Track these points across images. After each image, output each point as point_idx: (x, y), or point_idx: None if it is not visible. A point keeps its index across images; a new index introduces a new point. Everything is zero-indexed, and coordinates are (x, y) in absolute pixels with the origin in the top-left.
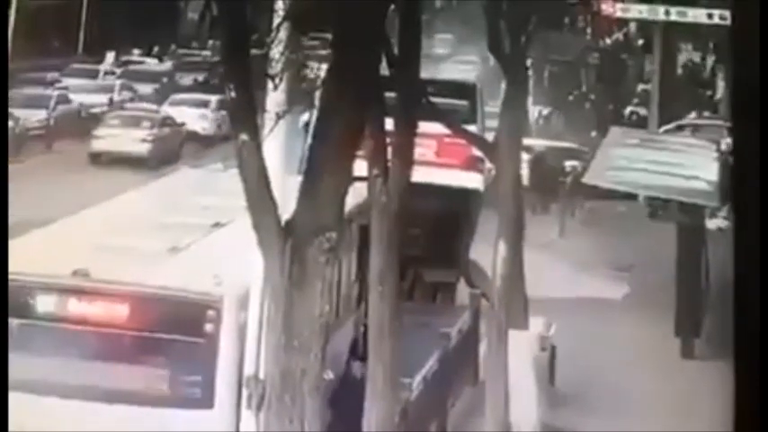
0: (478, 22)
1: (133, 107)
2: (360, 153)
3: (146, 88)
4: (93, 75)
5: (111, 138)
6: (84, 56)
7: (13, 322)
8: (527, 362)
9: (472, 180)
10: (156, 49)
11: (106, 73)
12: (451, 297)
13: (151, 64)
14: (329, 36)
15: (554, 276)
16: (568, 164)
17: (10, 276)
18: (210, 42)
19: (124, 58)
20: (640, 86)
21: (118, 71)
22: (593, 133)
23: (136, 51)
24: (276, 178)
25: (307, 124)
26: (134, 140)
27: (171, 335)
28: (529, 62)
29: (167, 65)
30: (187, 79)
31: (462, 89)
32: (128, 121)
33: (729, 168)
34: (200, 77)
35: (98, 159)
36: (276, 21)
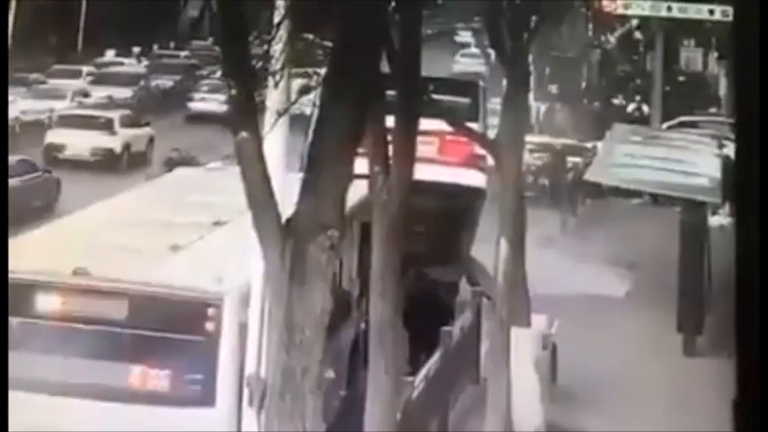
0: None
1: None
2: (361, 150)
3: (118, 92)
4: (77, 75)
5: (205, 101)
6: (80, 55)
7: (14, 321)
8: (529, 359)
9: (474, 178)
10: (155, 47)
11: (88, 74)
12: (453, 295)
13: (126, 65)
14: (330, 33)
15: (556, 274)
16: (570, 160)
17: (10, 275)
18: (209, 41)
19: (100, 60)
20: (642, 83)
21: (96, 72)
22: (596, 130)
23: (135, 50)
24: (277, 176)
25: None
26: (221, 102)
27: (172, 333)
28: (530, 59)
29: (141, 67)
30: (162, 81)
31: (465, 87)
32: (214, 87)
33: (731, 165)
34: (176, 79)
35: (193, 120)
36: (276, 18)
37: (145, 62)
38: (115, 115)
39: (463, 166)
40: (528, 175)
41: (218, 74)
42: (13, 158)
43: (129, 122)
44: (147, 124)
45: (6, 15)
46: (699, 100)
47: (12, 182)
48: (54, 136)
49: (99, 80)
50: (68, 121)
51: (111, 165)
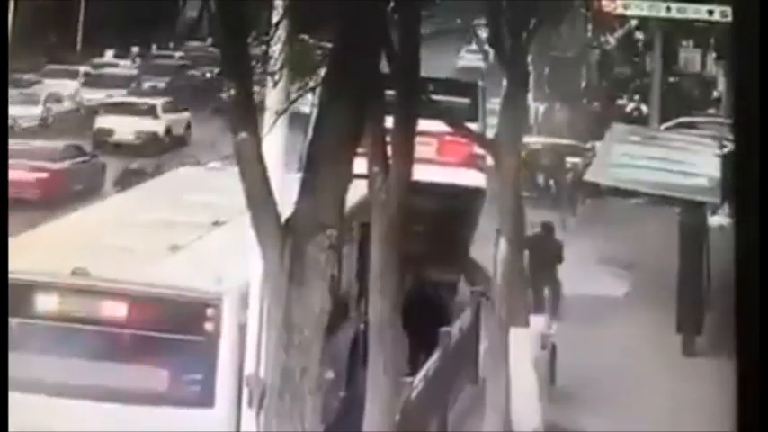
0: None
1: None
2: (360, 151)
3: (114, 94)
4: (73, 76)
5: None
6: (79, 55)
7: (13, 322)
8: (528, 360)
9: (473, 178)
10: (153, 47)
11: (86, 74)
12: (452, 295)
13: (121, 67)
14: (329, 33)
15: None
16: (569, 161)
17: (9, 275)
18: (208, 41)
19: (96, 61)
20: (641, 83)
21: (93, 73)
22: (595, 130)
23: (135, 50)
24: (276, 176)
25: None
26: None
27: (171, 333)
28: (529, 59)
29: (133, 68)
30: (154, 82)
31: (464, 87)
32: None
33: (730, 165)
34: (165, 81)
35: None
36: (275, 18)
37: (137, 63)
38: (158, 102)
39: (462, 166)
40: (527, 174)
41: (210, 75)
42: (62, 143)
43: (169, 108)
44: (186, 110)
45: (6, 15)
46: (697, 100)
47: (62, 165)
48: (103, 122)
49: (90, 83)
50: (115, 109)
51: (154, 147)
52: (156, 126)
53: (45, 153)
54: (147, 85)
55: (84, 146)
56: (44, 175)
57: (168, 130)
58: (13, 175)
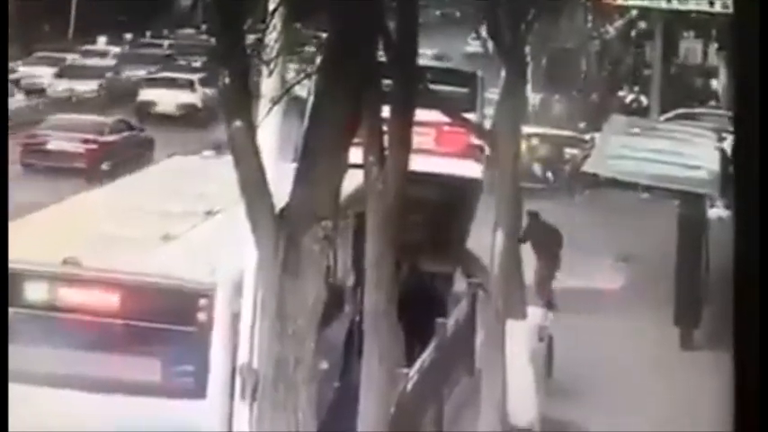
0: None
1: None
2: (356, 140)
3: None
4: (58, 64)
5: None
6: (72, 42)
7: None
8: (524, 352)
9: (471, 169)
10: (148, 33)
11: (63, 64)
12: (448, 286)
13: (108, 56)
14: (325, 21)
15: None
16: (568, 152)
17: None
18: (203, 28)
19: (84, 49)
20: (641, 74)
21: (76, 58)
22: (594, 122)
23: (127, 36)
24: (270, 166)
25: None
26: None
27: (163, 324)
28: (528, 50)
29: (112, 60)
30: (132, 72)
31: (462, 77)
32: None
33: (730, 158)
34: (148, 71)
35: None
36: (271, 6)
37: (125, 50)
38: (195, 77)
39: (460, 156)
40: (525, 165)
41: (196, 63)
42: (111, 118)
43: (206, 83)
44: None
45: (6, 14)
46: (698, 92)
47: (110, 137)
48: (145, 95)
49: (66, 73)
50: (156, 83)
51: (193, 118)
52: (195, 98)
53: (96, 126)
54: (124, 75)
55: (132, 122)
56: (94, 146)
57: (205, 104)
58: (65, 146)
